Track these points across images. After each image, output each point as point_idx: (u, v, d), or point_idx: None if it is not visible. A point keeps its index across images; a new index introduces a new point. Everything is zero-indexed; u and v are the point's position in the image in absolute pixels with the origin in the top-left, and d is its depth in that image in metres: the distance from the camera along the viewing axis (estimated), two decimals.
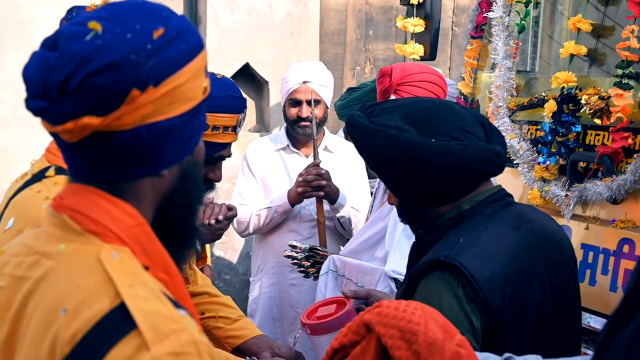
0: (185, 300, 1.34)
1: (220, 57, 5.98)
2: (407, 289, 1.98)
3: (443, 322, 1.54)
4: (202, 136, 2.31)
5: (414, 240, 2.16)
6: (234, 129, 2.47)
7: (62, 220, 1.31)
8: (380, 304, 1.55)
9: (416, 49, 4.66)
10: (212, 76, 2.44)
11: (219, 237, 3.05)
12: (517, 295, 1.88)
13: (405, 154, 1.94)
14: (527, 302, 1.92)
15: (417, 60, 4.64)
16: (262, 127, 6.38)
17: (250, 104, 6.29)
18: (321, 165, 4.06)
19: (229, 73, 5.87)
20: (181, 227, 1.45)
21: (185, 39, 1.31)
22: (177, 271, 1.37)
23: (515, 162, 3.62)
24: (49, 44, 1.27)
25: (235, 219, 3.34)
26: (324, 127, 4.41)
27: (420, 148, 1.92)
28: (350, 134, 2.10)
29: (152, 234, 1.34)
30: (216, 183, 2.57)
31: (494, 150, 1.97)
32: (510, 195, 2.11)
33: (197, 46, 1.34)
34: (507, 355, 1.72)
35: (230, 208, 3.05)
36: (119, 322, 1.16)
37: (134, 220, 1.32)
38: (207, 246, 4.58)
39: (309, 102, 4.21)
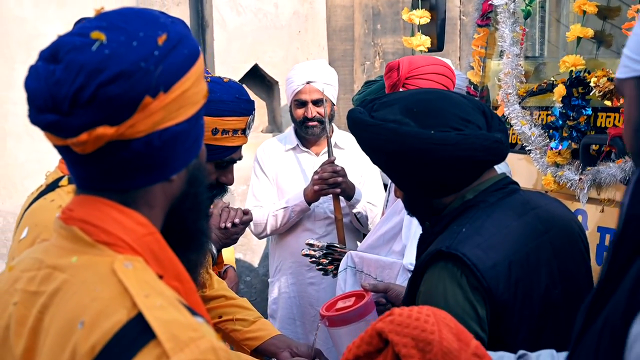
0: (198, 307, 1.34)
1: (229, 60, 5.97)
2: (413, 280, 1.98)
3: (457, 328, 1.53)
4: (212, 140, 2.34)
5: None
6: (244, 131, 2.48)
7: (72, 233, 1.30)
8: (392, 312, 1.53)
9: (423, 41, 4.65)
10: (219, 80, 2.45)
11: (234, 241, 3.06)
12: (522, 283, 1.87)
13: (405, 147, 1.93)
14: (534, 289, 1.90)
15: (425, 52, 4.62)
16: (275, 127, 6.38)
17: (261, 104, 6.28)
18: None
19: (238, 75, 5.87)
20: (192, 230, 1.45)
21: (187, 44, 1.32)
22: (189, 278, 1.36)
23: (527, 148, 3.61)
24: (48, 56, 1.25)
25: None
26: (333, 124, 4.42)
27: (420, 140, 1.92)
28: (351, 130, 2.10)
29: (163, 242, 1.34)
30: (229, 186, 2.58)
31: (494, 139, 1.96)
32: (516, 183, 2.09)
33: (196, 50, 1.35)
34: (521, 352, 1.71)
35: (245, 212, 3.05)
36: (137, 332, 1.16)
37: (145, 229, 1.32)
38: (232, 249, 4.58)
39: (314, 102, 4.22)
